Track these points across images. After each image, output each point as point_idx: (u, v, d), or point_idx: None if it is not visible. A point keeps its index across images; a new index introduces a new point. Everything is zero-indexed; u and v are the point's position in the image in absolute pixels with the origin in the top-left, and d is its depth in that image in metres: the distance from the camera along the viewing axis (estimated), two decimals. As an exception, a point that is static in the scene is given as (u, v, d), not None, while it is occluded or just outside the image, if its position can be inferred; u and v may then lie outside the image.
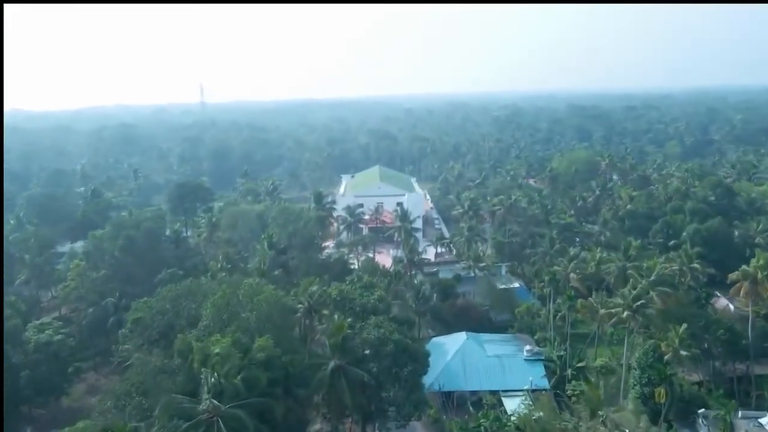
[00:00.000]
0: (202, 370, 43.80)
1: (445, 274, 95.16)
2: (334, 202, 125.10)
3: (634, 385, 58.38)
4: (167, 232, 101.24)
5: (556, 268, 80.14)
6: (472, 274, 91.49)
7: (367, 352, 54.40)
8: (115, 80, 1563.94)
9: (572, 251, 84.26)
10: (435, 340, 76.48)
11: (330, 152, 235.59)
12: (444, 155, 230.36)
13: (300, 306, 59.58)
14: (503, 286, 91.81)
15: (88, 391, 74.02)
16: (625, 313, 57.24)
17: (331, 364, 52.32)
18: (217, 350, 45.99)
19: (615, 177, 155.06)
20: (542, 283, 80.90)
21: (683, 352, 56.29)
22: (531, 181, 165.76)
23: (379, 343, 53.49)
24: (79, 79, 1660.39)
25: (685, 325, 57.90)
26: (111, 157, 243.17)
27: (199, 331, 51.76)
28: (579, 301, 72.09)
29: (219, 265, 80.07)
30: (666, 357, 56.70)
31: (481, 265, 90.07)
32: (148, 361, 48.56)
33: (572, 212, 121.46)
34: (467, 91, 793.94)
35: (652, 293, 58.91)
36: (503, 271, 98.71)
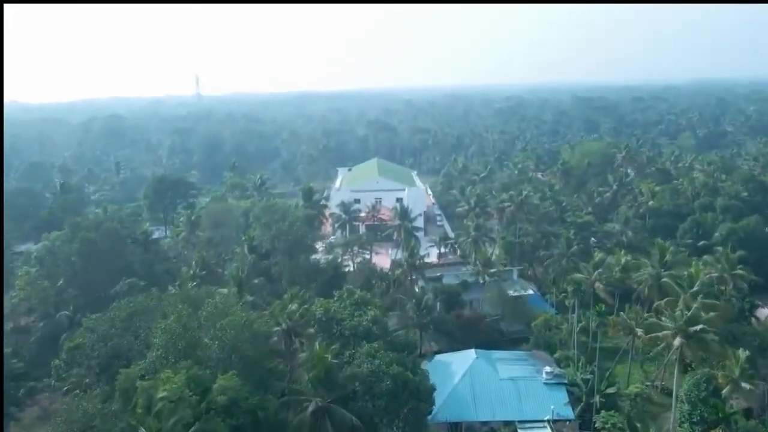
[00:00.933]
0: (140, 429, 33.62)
1: (449, 279, 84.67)
2: (327, 197, 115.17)
3: (683, 422, 48.38)
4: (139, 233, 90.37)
5: (578, 275, 69.59)
6: (481, 281, 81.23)
7: (357, 384, 44.26)
8: (111, 73, 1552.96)
9: (597, 256, 73.61)
10: (439, 357, 66.37)
11: (326, 144, 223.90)
12: (446, 147, 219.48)
13: (277, 329, 49.07)
14: (516, 294, 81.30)
15: (41, 416, 64.21)
16: (678, 340, 46.43)
17: (313, 403, 42.15)
18: (163, 394, 35.90)
19: (630, 171, 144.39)
20: (564, 294, 70.47)
21: (745, 385, 45.77)
22: (539, 175, 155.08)
23: (374, 378, 43.21)
24: (75, 71, 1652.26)
25: (747, 352, 47.29)
26: (98, 149, 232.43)
27: (148, 364, 41.44)
28: (611, 318, 61.64)
29: (192, 272, 69.90)
30: (724, 391, 46.31)
31: (492, 270, 79.58)
32: (77, 405, 38.13)
33: (589, 209, 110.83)
34: (468, 84, 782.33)
35: (704, 314, 47.69)
36: (515, 275, 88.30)
